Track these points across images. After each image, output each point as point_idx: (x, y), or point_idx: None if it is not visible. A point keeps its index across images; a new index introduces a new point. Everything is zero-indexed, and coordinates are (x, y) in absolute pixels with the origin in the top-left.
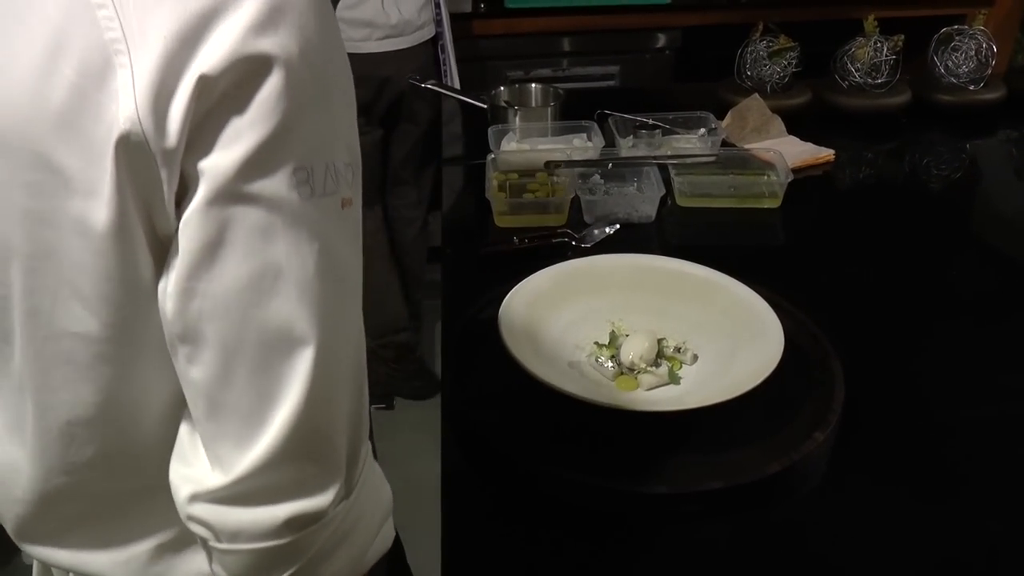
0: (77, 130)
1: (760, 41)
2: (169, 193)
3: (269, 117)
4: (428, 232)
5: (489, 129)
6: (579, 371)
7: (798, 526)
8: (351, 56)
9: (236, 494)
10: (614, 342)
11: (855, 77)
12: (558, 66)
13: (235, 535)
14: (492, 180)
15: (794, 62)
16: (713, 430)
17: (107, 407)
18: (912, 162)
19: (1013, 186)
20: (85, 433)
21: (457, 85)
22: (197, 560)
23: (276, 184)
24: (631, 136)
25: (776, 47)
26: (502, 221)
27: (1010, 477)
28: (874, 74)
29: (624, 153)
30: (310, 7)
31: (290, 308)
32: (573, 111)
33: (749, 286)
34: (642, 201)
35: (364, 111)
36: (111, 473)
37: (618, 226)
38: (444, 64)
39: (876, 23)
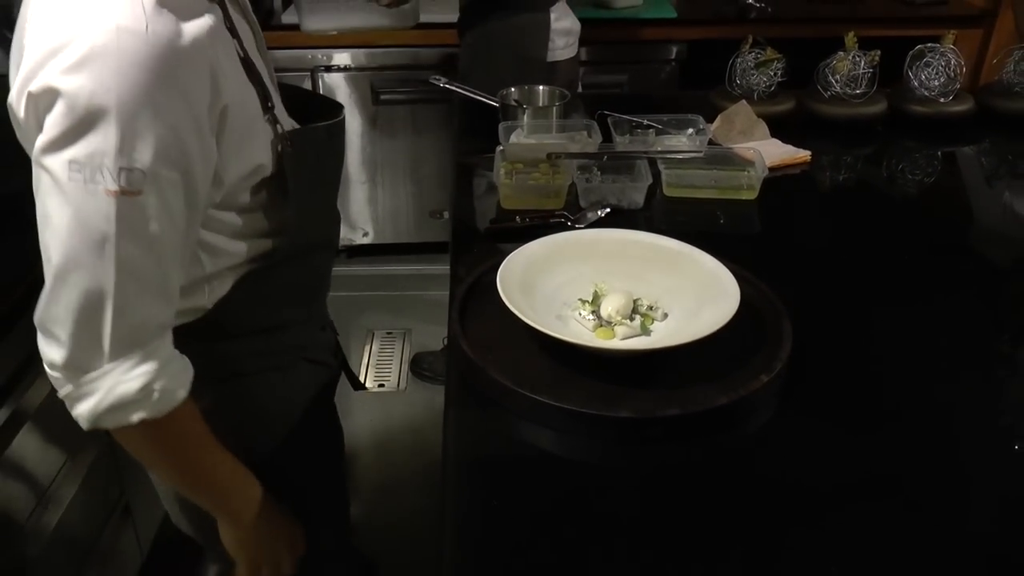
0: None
1: (749, 53)
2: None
3: (58, 126)
4: None
5: (500, 125)
6: (565, 322)
7: (744, 450)
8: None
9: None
10: (596, 300)
11: (835, 88)
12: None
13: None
14: (500, 169)
15: (779, 72)
16: (674, 371)
17: None
18: (884, 165)
19: (975, 189)
20: None
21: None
22: None
23: (57, 165)
24: (628, 135)
25: (763, 58)
26: (507, 203)
27: (925, 417)
28: (852, 85)
29: (619, 148)
30: (117, 65)
31: (47, 240)
32: (577, 111)
33: (717, 258)
34: (632, 189)
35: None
36: None
37: (609, 210)
38: None
39: (856, 39)
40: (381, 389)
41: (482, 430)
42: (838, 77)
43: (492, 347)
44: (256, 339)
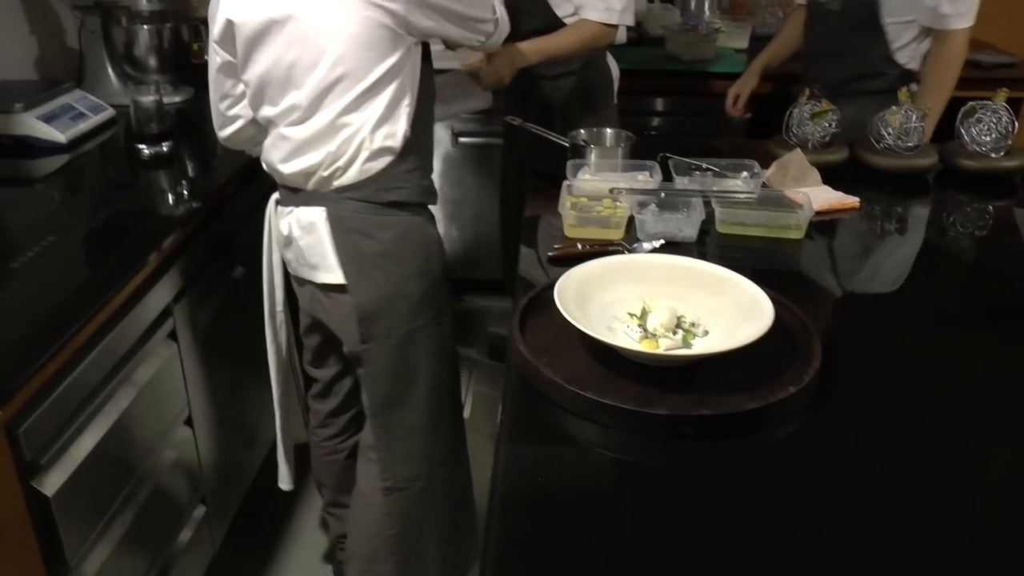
0: None
1: (805, 105)
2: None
3: None
4: None
5: (568, 162)
6: (613, 333)
7: (771, 451)
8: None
9: None
10: (643, 315)
11: (887, 140)
12: (647, 125)
13: None
14: (566, 201)
15: (833, 123)
16: (711, 380)
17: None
18: (933, 215)
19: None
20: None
21: None
22: (337, 177)
23: None
24: (687, 176)
25: (818, 110)
26: (571, 232)
27: (946, 431)
28: (904, 138)
29: (677, 187)
30: None
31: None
32: (641, 153)
33: (757, 284)
34: (686, 224)
35: None
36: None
37: (663, 242)
38: None
39: (908, 94)
40: None
41: (534, 420)
42: (890, 130)
43: (547, 351)
44: (415, 173)
